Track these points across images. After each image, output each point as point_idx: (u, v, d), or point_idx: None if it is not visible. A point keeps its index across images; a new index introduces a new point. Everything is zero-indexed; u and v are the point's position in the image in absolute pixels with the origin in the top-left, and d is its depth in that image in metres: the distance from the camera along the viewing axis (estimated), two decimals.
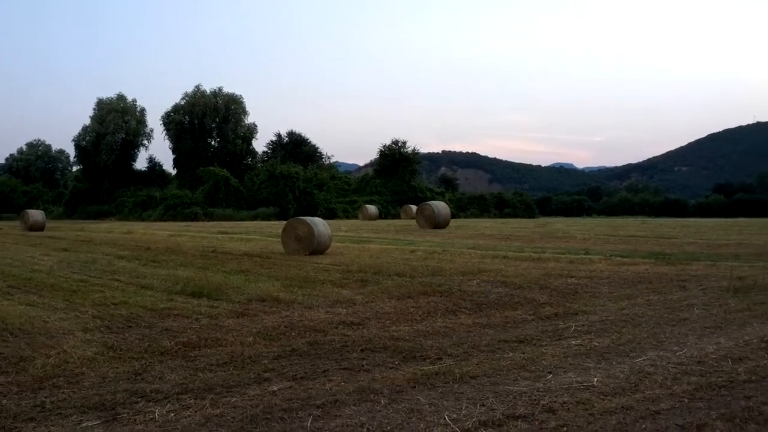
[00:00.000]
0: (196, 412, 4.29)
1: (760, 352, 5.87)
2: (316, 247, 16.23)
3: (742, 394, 4.59)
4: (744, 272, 11.73)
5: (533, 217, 63.52)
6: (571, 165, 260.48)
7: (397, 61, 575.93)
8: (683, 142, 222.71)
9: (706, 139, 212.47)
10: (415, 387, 4.86)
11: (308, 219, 17.16)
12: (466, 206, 65.43)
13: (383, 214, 55.71)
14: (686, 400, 4.47)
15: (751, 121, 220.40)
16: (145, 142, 69.72)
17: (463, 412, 4.25)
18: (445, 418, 4.12)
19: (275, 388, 4.81)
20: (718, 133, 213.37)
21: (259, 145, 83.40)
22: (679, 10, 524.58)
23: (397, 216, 55.35)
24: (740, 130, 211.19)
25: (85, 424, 4.07)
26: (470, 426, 3.99)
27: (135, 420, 4.15)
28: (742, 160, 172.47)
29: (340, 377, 5.13)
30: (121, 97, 68.31)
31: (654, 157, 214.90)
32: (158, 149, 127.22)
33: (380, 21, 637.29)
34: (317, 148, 76.59)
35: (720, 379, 5.00)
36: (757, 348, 6.03)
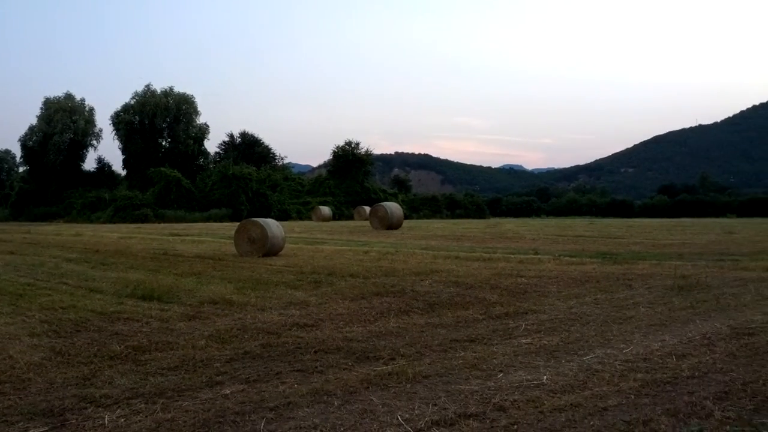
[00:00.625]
0: (146, 416, 4.21)
1: (702, 348, 6.07)
2: (270, 249, 16.11)
3: (686, 390, 4.73)
4: (687, 271, 12.12)
5: (484, 218, 64.30)
6: (521, 166, 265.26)
7: (351, 63, 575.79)
8: (629, 144, 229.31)
9: (651, 142, 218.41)
10: (368, 387, 4.87)
11: (261, 220, 17.02)
12: (418, 207, 66.04)
13: (337, 216, 55.74)
14: (633, 397, 4.59)
15: (693, 124, 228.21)
16: (94, 142, 68.26)
17: (416, 411, 4.28)
18: (398, 418, 4.14)
19: (227, 392, 4.76)
20: (662, 135, 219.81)
21: (212, 145, 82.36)
22: (625, 17, 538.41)
23: (350, 217, 55.46)
24: (684, 132, 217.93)
25: (32, 431, 3.97)
26: (423, 425, 4.02)
27: (84, 426, 4.06)
28: (685, 162, 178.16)
29: (293, 379, 5.11)
30: (69, 96, 66.59)
31: (601, 159, 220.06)
32: (108, 150, 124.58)
33: (333, 22, 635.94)
34: (270, 148, 75.95)
35: (665, 375, 5.15)
36: (700, 345, 6.23)
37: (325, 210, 52.26)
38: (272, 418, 4.17)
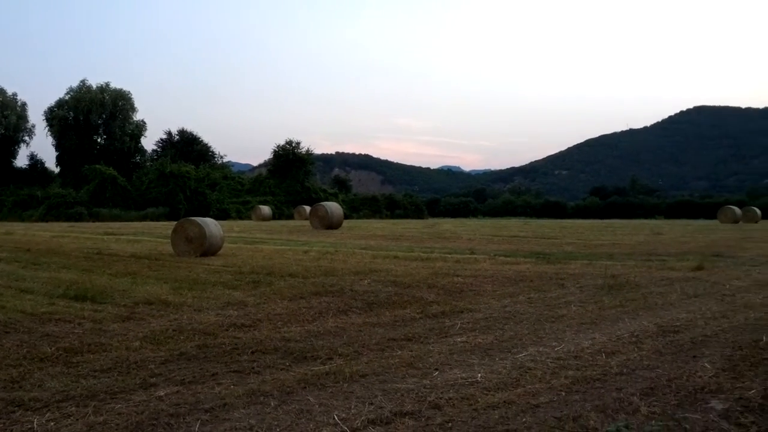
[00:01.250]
0: (77, 420, 4.11)
1: (630, 346, 6.31)
2: (208, 249, 15.85)
3: (614, 386, 4.91)
4: (617, 271, 12.56)
5: (423, 218, 64.91)
6: (459, 168, 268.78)
7: (292, 61, 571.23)
8: (563, 147, 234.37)
9: (584, 145, 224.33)
10: (305, 388, 4.88)
11: (199, 219, 16.73)
12: (358, 207, 66.26)
13: (277, 215, 55.42)
14: (564, 393, 4.74)
15: (625, 128, 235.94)
16: (27, 138, 66.12)
17: (353, 411, 4.31)
18: (334, 418, 4.17)
19: (162, 394, 4.69)
20: (595, 138, 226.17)
21: (149, 143, 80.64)
22: (558, 25, 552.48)
23: (290, 217, 55.09)
24: (615, 136, 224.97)
25: None
26: (359, 425, 4.05)
27: (12, 430, 3.93)
28: (616, 165, 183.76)
29: (229, 380, 5.07)
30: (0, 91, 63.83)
31: (536, 161, 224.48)
32: (41, 146, 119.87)
33: (275, 19, 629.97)
34: (209, 147, 74.65)
35: (595, 372, 5.33)
36: (628, 342, 6.47)
37: (265, 209, 51.81)
38: (207, 420, 4.13)
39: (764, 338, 6.47)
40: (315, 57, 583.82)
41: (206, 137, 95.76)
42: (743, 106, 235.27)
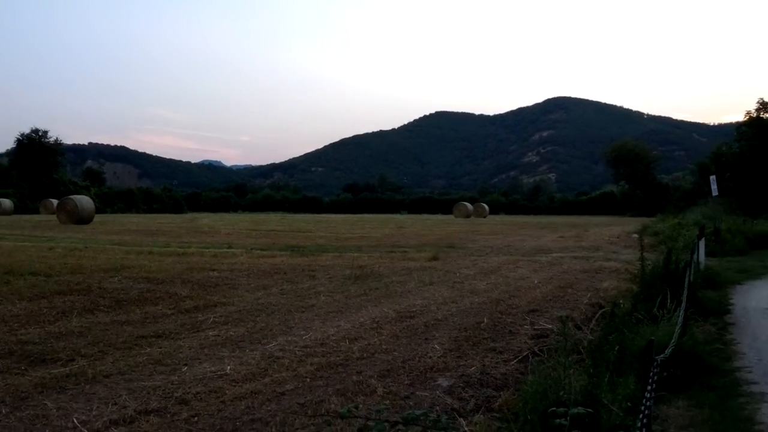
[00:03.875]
0: None
1: (371, 331, 6.78)
2: None
3: (355, 370, 5.25)
4: (364, 262, 13.35)
5: (182, 213, 63.49)
6: (220, 162, 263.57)
7: (40, 42, 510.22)
8: (320, 146, 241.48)
9: (339, 144, 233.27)
10: (42, 392, 4.56)
11: None
12: (113, 201, 63.78)
13: (20, 209, 51.79)
14: (309, 380, 4.96)
15: (375, 129, 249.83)
16: None
17: (94, 412, 4.13)
18: (73, 421, 3.96)
19: None
20: (348, 138, 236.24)
21: None
22: (317, 25, 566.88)
23: (35, 211, 51.93)
24: (367, 137, 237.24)
25: None
26: (100, 426, 3.90)
27: None
28: (368, 163, 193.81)
29: None
30: None
31: (294, 158, 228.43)
32: None
33: (22, 3, 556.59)
34: None
35: (338, 358, 5.65)
36: (370, 328, 6.95)
37: (6, 203, 48.40)
38: None
39: (485, 320, 7.36)
40: (66, 37, 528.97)
41: None
42: (476, 113, 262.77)
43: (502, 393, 4.66)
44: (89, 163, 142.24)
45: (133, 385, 4.74)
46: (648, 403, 2.81)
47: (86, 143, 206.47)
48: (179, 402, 4.37)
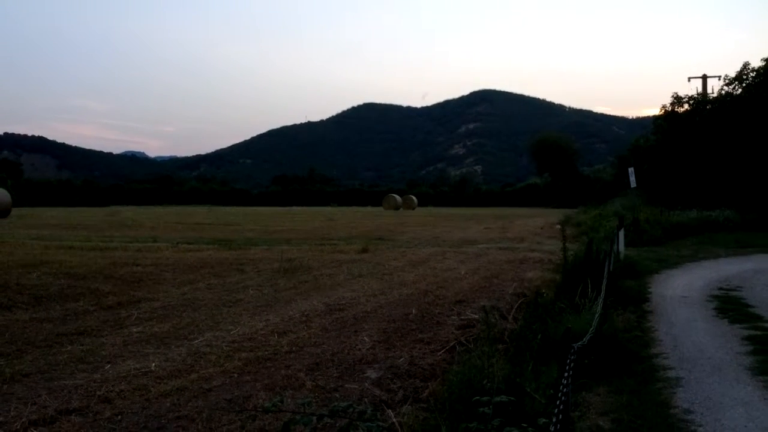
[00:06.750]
0: None
1: (300, 325, 6.77)
2: None
3: (284, 364, 5.24)
4: (293, 255, 13.26)
5: (104, 206, 61.26)
6: (144, 154, 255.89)
7: None
8: (247, 137, 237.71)
9: (266, 135, 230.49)
10: None
11: None
12: (31, 194, 60.61)
13: None
14: (236, 375, 4.92)
15: (303, 120, 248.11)
16: None
17: (12, 413, 3.99)
18: None
19: None
20: (276, 129, 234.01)
21: None
22: (243, 15, 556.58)
23: None
24: (295, 128, 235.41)
25: None
26: (19, 427, 3.77)
27: None
28: (297, 155, 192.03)
29: None
30: None
31: (221, 149, 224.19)
32: None
33: None
34: None
35: (266, 352, 5.62)
36: (299, 322, 6.93)
37: None
38: None
39: (413, 311, 7.46)
40: None
41: None
42: (404, 105, 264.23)
43: (429, 383, 4.76)
44: (5, 153, 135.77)
45: (54, 384, 4.60)
46: (565, 390, 2.94)
47: (1, 133, 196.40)
48: (102, 401, 4.26)
